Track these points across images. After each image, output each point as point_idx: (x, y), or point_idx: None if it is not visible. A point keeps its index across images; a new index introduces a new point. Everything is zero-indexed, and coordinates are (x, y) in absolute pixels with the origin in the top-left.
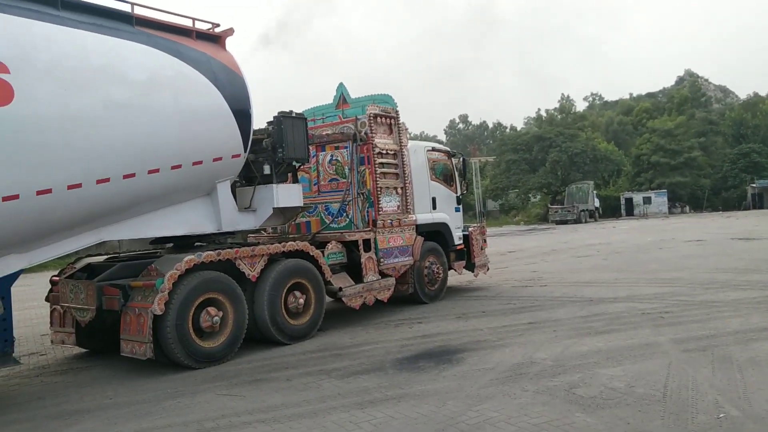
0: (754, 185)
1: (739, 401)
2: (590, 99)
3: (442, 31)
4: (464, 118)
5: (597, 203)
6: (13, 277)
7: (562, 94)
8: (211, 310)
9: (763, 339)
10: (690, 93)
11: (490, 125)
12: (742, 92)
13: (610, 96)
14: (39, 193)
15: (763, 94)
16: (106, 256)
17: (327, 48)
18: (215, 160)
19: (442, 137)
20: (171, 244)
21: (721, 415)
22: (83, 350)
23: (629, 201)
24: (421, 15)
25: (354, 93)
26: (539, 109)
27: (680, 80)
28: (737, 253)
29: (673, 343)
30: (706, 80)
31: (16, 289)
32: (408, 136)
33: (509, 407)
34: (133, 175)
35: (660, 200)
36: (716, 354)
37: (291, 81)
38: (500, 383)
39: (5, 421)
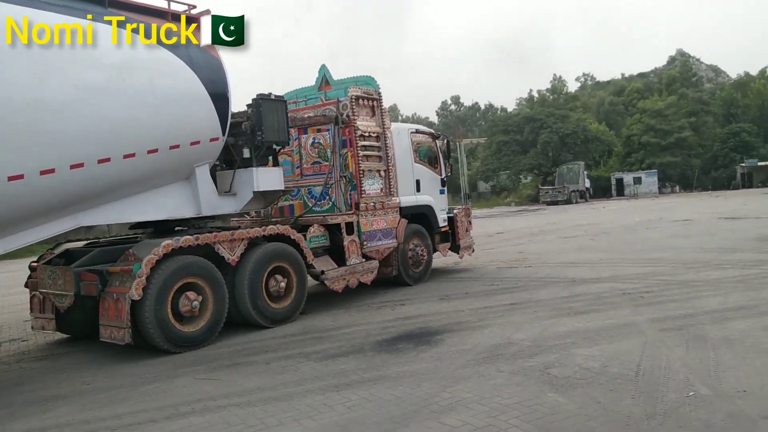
0: (743, 165)
1: (709, 380)
2: (582, 79)
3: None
4: (456, 100)
5: (588, 184)
6: None
7: (554, 74)
8: (191, 294)
9: (739, 318)
10: (680, 73)
11: (482, 106)
12: (734, 72)
13: (603, 76)
14: (11, 179)
15: (753, 73)
16: (85, 242)
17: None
18: (193, 143)
19: (434, 119)
20: (151, 229)
21: (691, 394)
22: (64, 336)
23: (620, 181)
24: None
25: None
26: (531, 90)
27: (672, 60)
28: (722, 232)
29: (651, 323)
30: (698, 60)
31: (0, 275)
32: (390, 117)
33: (483, 388)
34: (108, 159)
35: (650, 180)
36: (692, 333)
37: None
38: (476, 364)
39: None
